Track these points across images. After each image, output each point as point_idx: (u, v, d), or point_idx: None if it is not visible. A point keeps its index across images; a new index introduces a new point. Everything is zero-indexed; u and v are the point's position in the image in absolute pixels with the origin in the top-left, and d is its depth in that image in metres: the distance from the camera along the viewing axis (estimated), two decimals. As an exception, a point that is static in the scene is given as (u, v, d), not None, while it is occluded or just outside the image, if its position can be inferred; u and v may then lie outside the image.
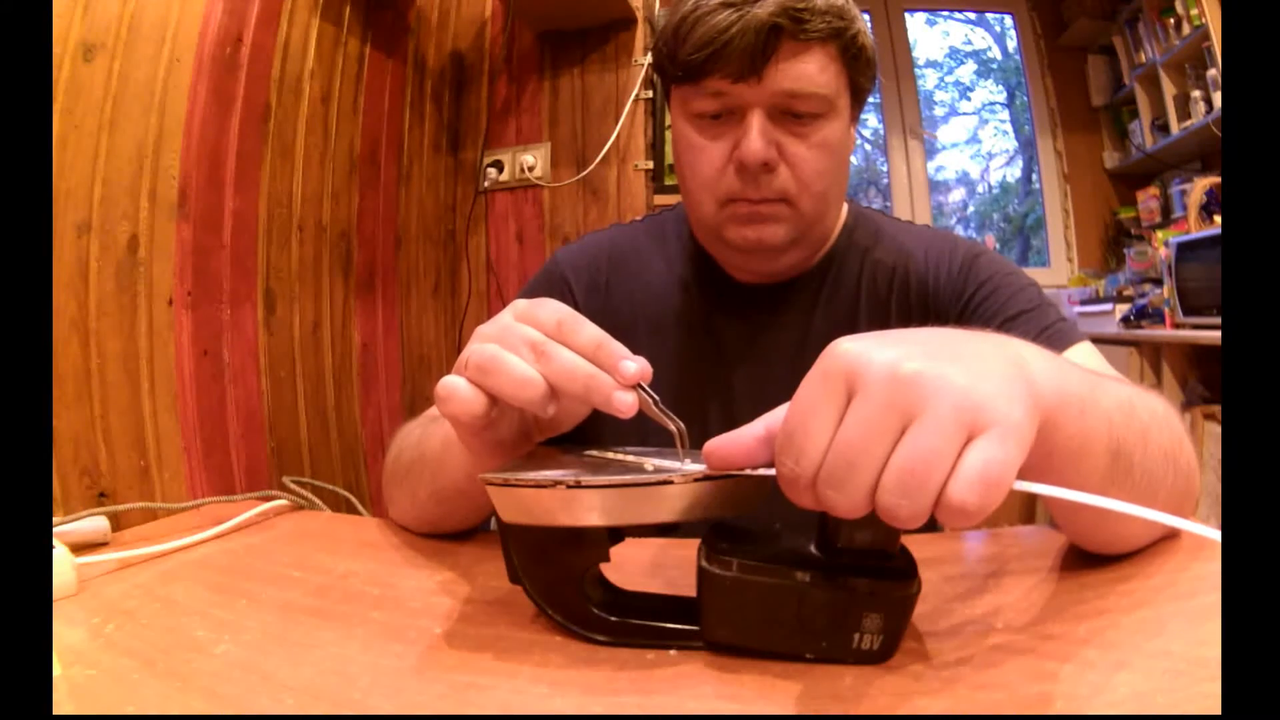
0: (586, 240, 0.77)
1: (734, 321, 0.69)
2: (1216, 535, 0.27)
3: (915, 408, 0.27)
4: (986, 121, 3.14)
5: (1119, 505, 0.28)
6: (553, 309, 0.39)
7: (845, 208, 0.72)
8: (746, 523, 0.37)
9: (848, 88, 0.61)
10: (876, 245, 0.69)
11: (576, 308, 0.71)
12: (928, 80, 3.05)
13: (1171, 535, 0.45)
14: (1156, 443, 0.39)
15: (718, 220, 0.63)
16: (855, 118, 0.66)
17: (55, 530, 0.52)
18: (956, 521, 0.27)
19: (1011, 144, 3.12)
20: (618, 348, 0.38)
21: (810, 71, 0.58)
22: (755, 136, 0.58)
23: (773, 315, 0.68)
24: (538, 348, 0.37)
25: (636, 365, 0.37)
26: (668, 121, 0.72)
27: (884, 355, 0.28)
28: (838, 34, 0.58)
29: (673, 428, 0.37)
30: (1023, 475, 0.28)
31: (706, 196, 0.63)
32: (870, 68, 0.63)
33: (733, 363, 0.68)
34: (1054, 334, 0.60)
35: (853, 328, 0.66)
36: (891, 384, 0.27)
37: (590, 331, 0.38)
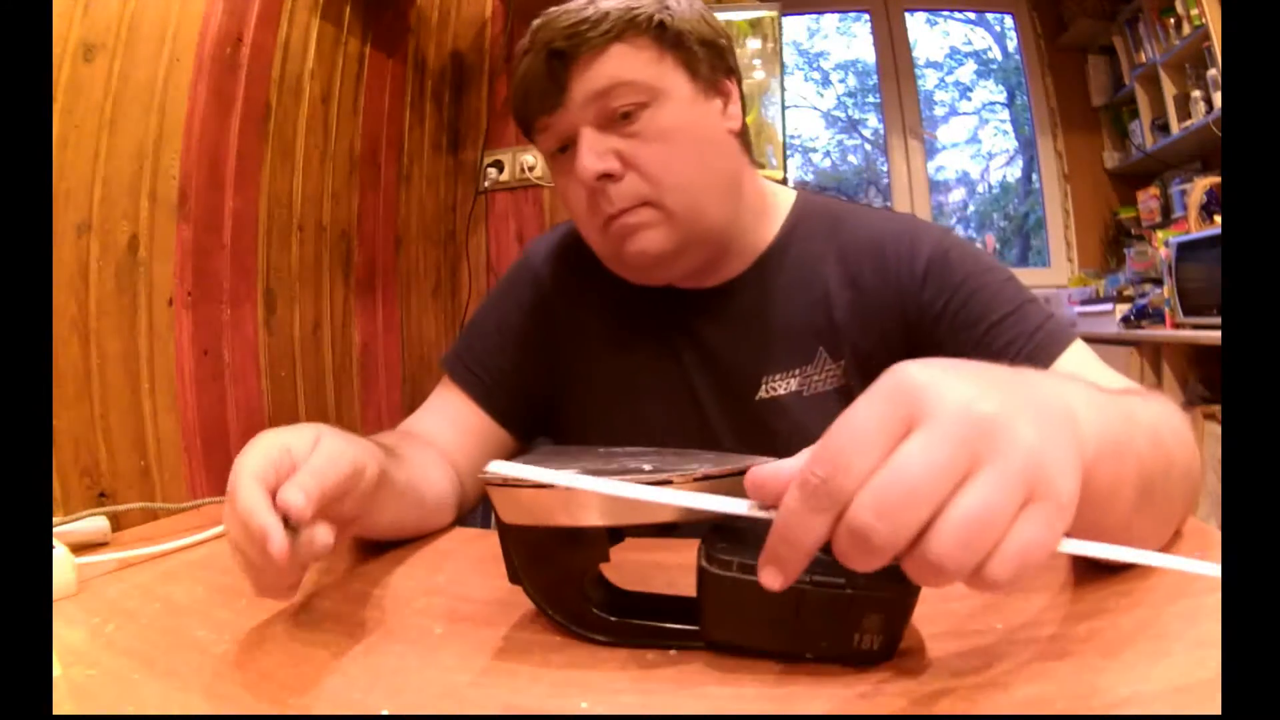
0: (558, 231, 0.75)
1: (689, 329, 0.67)
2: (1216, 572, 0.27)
3: (987, 454, 0.25)
4: (986, 121, 3.14)
5: (1145, 557, 0.27)
6: (236, 480, 0.40)
7: (788, 203, 0.68)
8: (746, 523, 0.36)
9: (676, 66, 0.59)
10: (835, 235, 0.66)
11: (547, 303, 0.70)
12: (928, 80, 3.05)
13: (1173, 535, 0.45)
14: (1179, 465, 0.39)
15: (605, 247, 0.63)
16: (712, 93, 0.62)
17: (55, 530, 0.52)
18: (978, 589, 0.25)
19: (1011, 144, 3.12)
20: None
21: (610, 70, 0.57)
22: (583, 154, 0.58)
23: (723, 316, 0.66)
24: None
25: (301, 496, 0.37)
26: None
27: (957, 390, 0.26)
28: (630, 25, 0.57)
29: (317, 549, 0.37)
30: None
31: (587, 229, 0.63)
32: (692, 36, 0.60)
33: (693, 369, 0.66)
34: (1044, 337, 0.58)
35: (825, 320, 0.63)
36: (965, 422, 0.25)
37: (243, 481, 0.40)
